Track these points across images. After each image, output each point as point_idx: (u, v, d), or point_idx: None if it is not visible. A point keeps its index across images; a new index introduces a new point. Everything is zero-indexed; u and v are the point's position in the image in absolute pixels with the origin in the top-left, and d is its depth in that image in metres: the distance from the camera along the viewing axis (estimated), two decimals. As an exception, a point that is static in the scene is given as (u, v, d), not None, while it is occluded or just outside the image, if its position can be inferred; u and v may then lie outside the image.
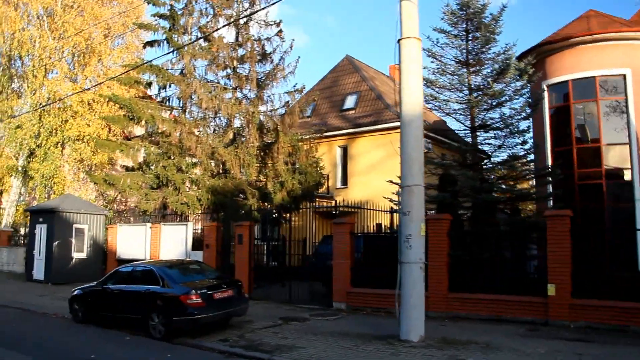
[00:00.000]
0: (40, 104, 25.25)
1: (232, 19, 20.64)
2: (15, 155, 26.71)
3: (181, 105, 21.42)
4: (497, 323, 10.97)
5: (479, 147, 15.39)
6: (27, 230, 23.58)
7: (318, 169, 21.19)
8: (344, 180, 25.20)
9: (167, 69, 20.75)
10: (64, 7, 26.37)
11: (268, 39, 21.06)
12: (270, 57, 21.01)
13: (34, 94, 25.87)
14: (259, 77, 20.86)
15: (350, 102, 26.47)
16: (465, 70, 14.91)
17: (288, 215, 18.27)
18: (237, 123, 21.38)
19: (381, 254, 13.50)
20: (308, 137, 21.86)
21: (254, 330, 10.61)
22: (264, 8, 19.74)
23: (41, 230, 19.69)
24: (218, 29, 20.26)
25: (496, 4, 30.76)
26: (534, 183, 17.90)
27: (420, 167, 9.74)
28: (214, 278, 11.25)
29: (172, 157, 20.32)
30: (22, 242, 24.70)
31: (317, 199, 21.49)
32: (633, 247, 14.29)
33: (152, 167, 20.78)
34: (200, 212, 20.10)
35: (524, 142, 14.72)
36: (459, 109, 15.04)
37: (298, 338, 9.86)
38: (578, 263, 10.78)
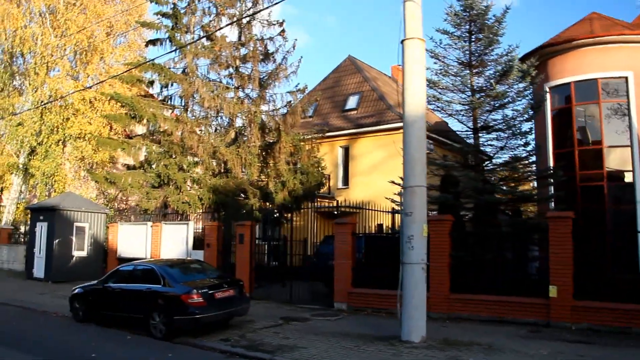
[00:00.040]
0: (42, 101, 25.23)
1: (235, 18, 20.65)
2: (16, 152, 26.68)
3: (183, 104, 21.44)
4: (499, 324, 10.96)
5: (481, 148, 15.38)
6: (27, 228, 23.57)
7: (319, 169, 21.19)
8: (345, 181, 25.20)
9: (170, 68, 20.77)
10: (66, 5, 26.36)
11: (271, 39, 21.10)
12: (273, 57, 21.04)
13: (36, 91, 25.85)
14: (262, 77, 20.88)
15: (352, 102, 26.46)
16: (468, 71, 14.91)
17: (289, 215, 18.27)
18: (239, 122, 21.41)
19: (382, 254, 13.49)
20: (310, 137, 21.87)
21: (255, 330, 10.60)
22: (267, 8, 19.82)
23: (42, 228, 19.68)
24: (221, 28, 20.28)
25: (499, 5, 30.80)
26: (536, 185, 17.89)
27: (423, 167, 9.73)
28: (215, 277, 11.24)
29: (174, 156, 20.32)
30: (23, 240, 24.67)
31: (318, 199, 21.48)
32: (634, 249, 14.26)
33: (154, 166, 20.79)
34: (201, 211, 20.10)
35: (526, 144, 14.71)
36: (461, 110, 15.04)
37: (299, 338, 9.85)
38: (579, 265, 10.77)
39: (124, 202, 26.87)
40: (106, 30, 27.36)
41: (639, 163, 15.37)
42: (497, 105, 14.63)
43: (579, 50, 16.38)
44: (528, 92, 14.93)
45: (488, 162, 15.90)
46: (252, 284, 15.20)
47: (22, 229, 26.04)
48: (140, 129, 23.84)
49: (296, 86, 21.43)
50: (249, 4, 21.18)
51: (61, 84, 25.85)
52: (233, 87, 21.13)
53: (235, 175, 19.86)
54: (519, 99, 14.59)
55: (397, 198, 15.21)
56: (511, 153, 14.99)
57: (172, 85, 21.35)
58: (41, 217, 19.83)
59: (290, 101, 21.10)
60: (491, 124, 14.87)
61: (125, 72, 21.63)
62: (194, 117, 21.03)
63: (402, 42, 9.91)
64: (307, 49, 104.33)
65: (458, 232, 12.75)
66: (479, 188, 13.76)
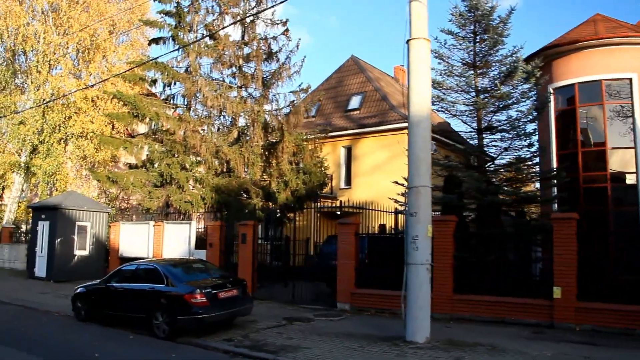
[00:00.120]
0: (44, 100, 25.19)
1: (238, 17, 20.65)
2: (17, 151, 26.64)
3: (186, 103, 21.43)
4: (502, 325, 10.93)
5: (485, 149, 15.36)
6: (29, 227, 23.53)
7: (322, 169, 21.16)
8: (348, 181, 25.18)
9: (172, 67, 20.76)
10: (69, 3, 26.33)
11: (274, 38, 21.09)
12: (276, 56, 21.03)
13: (38, 89, 25.84)
14: (265, 76, 20.86)
15: (355, 102, 26.45)
16: (472, 72, 14.88)
17: (292, 215, 18.24)
18: (241, 122, 21.40)
19: (385, 254, 13.48)
20: (312, 137, 21.83)
21: (259, 330, 10.57)
22: (271, 7, 19.79)
23: (43, 227, 19.63)
24: (224, 27, 20.28)
25: (504, 6, 30.76)
26: (539, 186, 17.86)
27: (428, 168, 9.70)
28: (218, 277, 11.21)
29: (176, 155, 20.29)
30: (24, 239, 24.64)
31: (320, 199, 21.46)
32: (637, 251, 14.24)
33: (156, 165, 20.76)
34: (203, 210, 20.07)
35: (530, 145, 14.70)
36: (465, 111, 15.03)
37: (303, 338, 9.82)
38: (582, 266, 10.75)
39: (126, 202, 26.83)
40: (109, 29, 27.36)
41: (642, 164, 15.33)
42: (501, 106, 14.60)
43: (583, 52, 16.37)
44: (532, 93, 14.90)
45: (491, 163, 15.87)
46: (254, 284, 15.18)
47: (24, 227, 26.01)
48: (142, 128, 23.82)
49: (299, 86, 21.50)
50: (253, 3, 21.18)
51: (63, 82, 25.84)
52: (236, 86, 21.11)
53: (237, 174, 19.83)
54: (524, 100, 14.57)
55: (400, 198, 15.18)
56: (515, 154, 14.99)
57: (174, 84, 21.35)
58: (43, 216, 19.78)
59: (293, 101, 21.08)
60: (495, 125, 14.85)
61: (128, 70, 21.61)
62: (196, 116, 21.01)
63: (407, 42, 9.88)
64: (308, 49, 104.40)
65: (461, 233, 12.73)
66: (482, 189, 13.73)
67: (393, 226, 17.60)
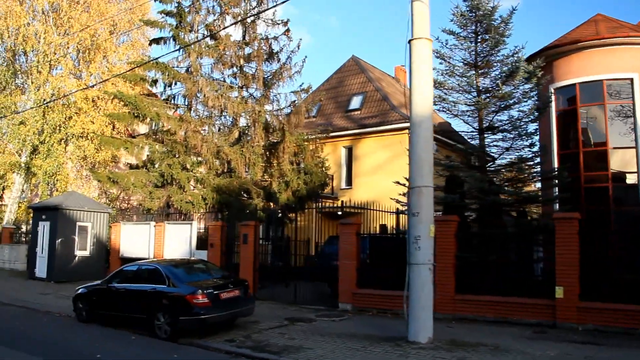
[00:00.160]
0: (44, 100, 25.18)
1: (239, 18, 20.64)
2: (18, 151, 26.64)
3: (186, 104, 21.40)
4: (504, 325, 10.92)
5: (486, 149, 15.34)
6: (29, 227, 23.51)
7: (323, 169, 21.15)
8: (349, 181, 25.17)
9: (173, 67, 20.74)
10: (69, 3, 26.33)
11: (275, 38, 21.07)
12: (277, 56, 21.01)
13: (38, 90, 25.83)
14: (266, 76, 20.85)
15: (355, 102, 26.45)
16: (473, 72, 14.85)
17: (293, 215, 18.22)
18: (242, 122, 21.38)
19: (387, 255, 13.46)
20: (313, 137, 21.82)
21: (261, 331, 10.56)
22: (271, 7, 19.75)
23: (44, 228, 19.61)
24: (225, 28, 20.29)
25: (505, 6, 30.75)
26: (540, 186, 17.83)
27: (430, 168, 9.69)
28: (220, 278, 11.19)
29: (177, 156, 20.27)
30: (25, 239, 24.63)
31: (321, 200, 21.44)
32: (638, 250, 14.22)
33: (157, 165, 20.74)
34: (204, 211, 20.04)
35: (532, 145, 14.67)
36: (467, 111, 14.99)
37: (305, 339, 9.81)
38: (584, 266, 10.74)
39: (126, 202, 26.81)
40: (109, 29, 27.36)
41: (644, 165, 15.32)
42: (502, 106, 14.58)
43: (585, 52, 16.35)
44: (534, 93, 14.88)
45: (492, 163, 15.85)
46: (255, 284, 15.16)
47: (24, 228, 25.99)
48: (143, 128, 23.80)
49: (300, 86, 21.45)
50: (254, 3, 21.18)
51: (64, 82, 25.84)
52: (237, 86, 21.10)
53: (238, 175, 19.82)
54: (525, 100, 14.53)
55: (402, 198, 15.15)
56: (516, 154, 14.96)
57: (175, 84, 21.34)
58: (43, 217, 19.76)
59: (294, 101, 21.07)
60: (497, 125, 14.82)
61: (129, 70, 21.60)
62: (197, 117, 20.99)
63: (409, 42, 9.86)
64: (309, 49, 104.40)
65: (463, 233, 12.72)
66: (484, 189, 13.71)
67: (394, 226, 17.59)
